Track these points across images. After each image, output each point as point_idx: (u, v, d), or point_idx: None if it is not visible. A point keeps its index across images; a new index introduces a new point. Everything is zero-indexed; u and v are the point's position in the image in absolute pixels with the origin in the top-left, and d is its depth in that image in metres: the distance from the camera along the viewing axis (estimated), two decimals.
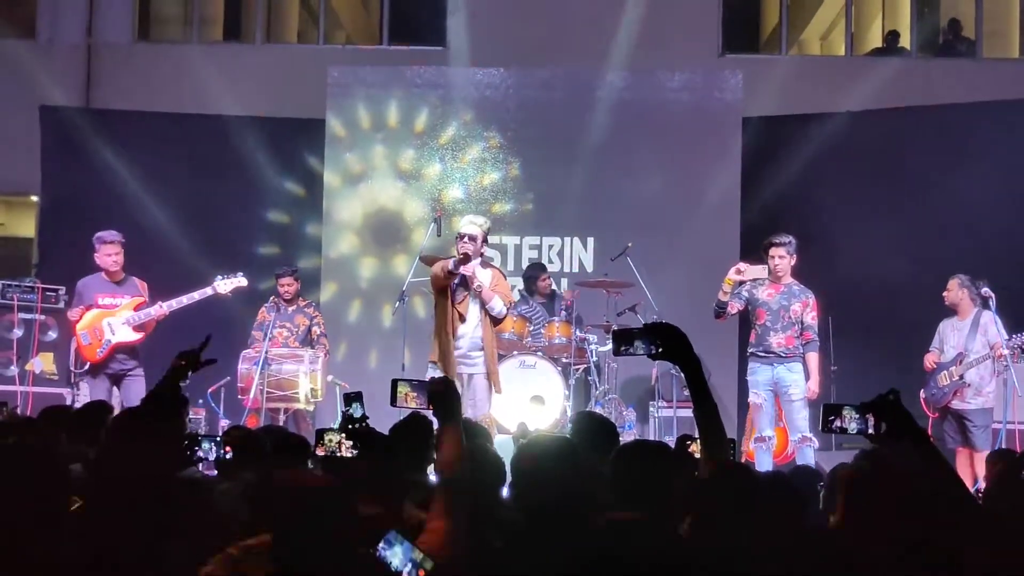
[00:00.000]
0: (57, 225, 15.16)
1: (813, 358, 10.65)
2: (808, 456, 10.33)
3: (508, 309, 10.53)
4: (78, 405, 11.81)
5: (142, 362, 11.32)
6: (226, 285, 11.38)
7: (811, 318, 10.64)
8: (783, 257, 10.68)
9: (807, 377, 10.68)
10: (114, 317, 11.11)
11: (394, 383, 4.83)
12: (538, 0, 15.35)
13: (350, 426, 4.95)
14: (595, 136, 14.01)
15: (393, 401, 4.86)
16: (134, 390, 10.94)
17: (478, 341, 10.33)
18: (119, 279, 11.32)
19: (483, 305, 10.27)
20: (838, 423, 4.35)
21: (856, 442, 6.74)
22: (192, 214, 14.49)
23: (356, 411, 5.38)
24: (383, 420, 5.70)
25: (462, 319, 10.28)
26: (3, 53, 15.57)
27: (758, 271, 10.66)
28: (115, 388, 11.16)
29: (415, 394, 4.75)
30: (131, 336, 11.12)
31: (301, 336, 12.18)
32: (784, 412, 10.75)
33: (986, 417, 11.10)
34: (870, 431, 4.31)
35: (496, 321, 10.47)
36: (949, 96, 14.63)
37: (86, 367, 11.35)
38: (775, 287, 10.70)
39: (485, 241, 10.45)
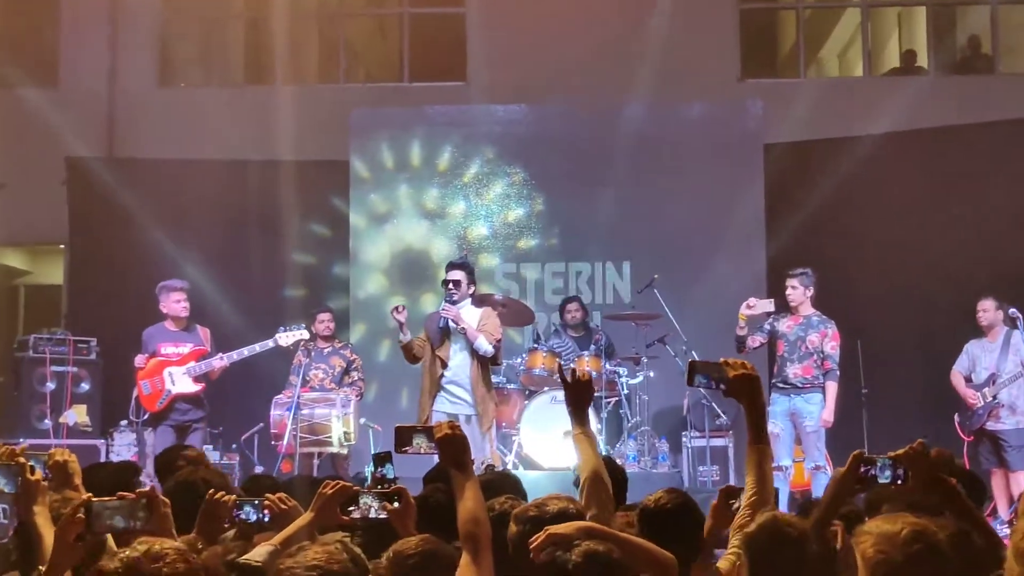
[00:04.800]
0: (86, 274, 15.27)
1: (831, 387, 10.71)
2: (823, 484, 10.37)
3: (496, 347, 10.63)
4: (114, 457, 11.95)
5: (208, 413, 11.38)
6: (288, 338, 11.43)
7: (830, 347, 10.73)
8: (795, 288, 10.92)
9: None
10: (175, 367, 11.15)
11: (400, 430, 4.80)
12: (556, 34, 15.35)
13: (380, 487, 4.90)
14: (618, 168, 14.00)
15: (399, 448, 4.83)
16: (196, 442, 10.93)
17: (465, 382, 10.50)
18: (184, 326, 11.37)
19: (471, 346, 10.45)
20: (872, 472, 4.34)
21: None
22: (219, 259, 14.54)
23: (389, 472, 5.36)
24: (415, 464, 5.75)
25: (444, 364, 10.50)
26: (26, 102, 15.63)
27: (766, 304, 10.85)
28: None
29: (430, 443, 4.69)
30: (191, 387, 11.16)
31: (337, 377, 12.16)
32: (802, 442, 10.80)
33: (1021, 437, 11.10)
34: (899, 481, 4.31)
35: (491, 361, 10.76)
36: (970, 114, 14.57)
37: (146, 416, 11.40)
38: (794, 319, 10.86)
39: (472, 282, 10.69)
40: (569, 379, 4.98)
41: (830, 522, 4.12)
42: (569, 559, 3.78)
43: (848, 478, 4.34)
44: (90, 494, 3.95)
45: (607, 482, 4.72)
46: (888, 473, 4.32)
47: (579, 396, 4.98)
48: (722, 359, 4.78)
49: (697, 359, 4.98)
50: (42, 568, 3.83)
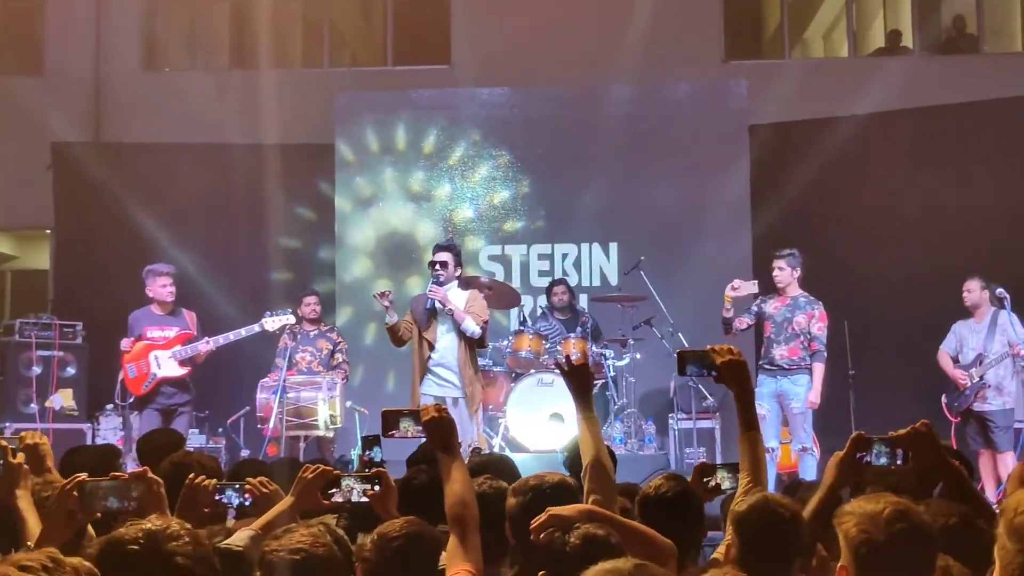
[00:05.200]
0: (72, 259, 15.26)
1: (818, 368, 10.68)
2: (810, 466, 10.43)
3: (483, 329, 10.64)
4: (100, 441, 11.95)
5: (194, 397, 11.36)
6: (274, 322, 11.40)
7: (817, 329, 10.70)
8: (782, 269, 10.87)
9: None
10: (161, 351, 11.12)
11: (387, 414, 4.80)
12: (540, 16, 15.34)
13: (367, 470, 4.89)
14: (603, 151, 13.98)
15: (386, 432, 4.83)
16: (182, 426, 10.95)
17: (452, 364, 10.49)
18: (170, 311, 11.34)
19: (458, 328, 10.45)
20: (867, 458, 4.32)
21: None
22: (204, 243, 14.54)
23: (377, 455, 5.34)
24: (400, 447, 5.74)
25: (431, 347, 10.50)
26: (12, 88, 15.64)
27: (750, 286, 10.84)
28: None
29: (417, 427, 4.70)
30: (177, 371, 11.13)
31: (324, 360, 12.15)
32: (789, 423, 10.80)
33: (1008, 418, 11.10)
34: (898, 463, 4.30)
35: (478, 343, 10.75)
36: (955, 94, 14.57)
37: (131, 400, 11.38)
38: (782, 300, 10.84)
39: (459, 264, 10.73)
40: (566, 367, 4.94)
41: (830, 506, 4.09)
42: (568, 541, 3.77)
43: (848, 462, 4.33)
44: (84, 473, 3.94)
45: (609, 467, 4.74)
46: (884, 459, 4.30)
47: (579, 381, 4.94)
48: (708, 346, 4.80)
49: (685, 349, 5.03)
50: (30, 544, 3.82)
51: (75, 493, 3.82)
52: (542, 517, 3.91)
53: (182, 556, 2.88)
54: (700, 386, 12.46)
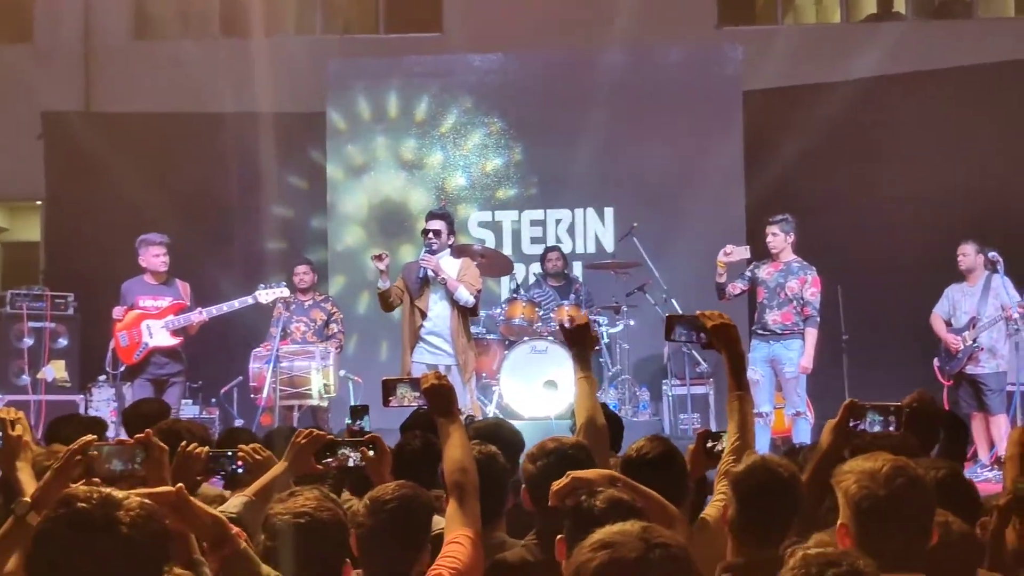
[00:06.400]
0: (63, 230, 15.21)
1: (810, 333, 10.68)
2: (803, 430, 10.45)
3: (476, 297, 10.61)
4: (92, 412, 11.92)
5: (186, 367, 11.35)
6: (268, 295, 11.37)
7: (810, 294, 10.69)
8: (776, 235, 10.88)
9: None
10: (153, 320, 11.09)
11: (386, 383, 4.81)
12: None
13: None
14: (596, 117, 13.89)
15: (386, 401, 4.83)
16: (174, 396, 10.95)
17: (445, 332, 10.49)
18: (163, 280, 11.31)
19: (450, 296, 10.43)
20: (861, 426, 4.35)
21: None
22: (196, 212, 14.49)
23: (366, 425, 5.34)
24: (394, 416, 5.74)
25: (424, 315, 10.48)
26: (1, 57, 15.56)
27: (742, 251, 10.84)
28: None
29: (414, 393, 4.72)
30: (168, 340, 11.10)
31: (319, 330, 12.12)
32: (782, 388, 10.81)
33: (1000, 380, 11.11)
34: (891, 429, 4.33)
35: (470, 311, 10.71)
36: (948, 59, 14.54)
37: (123, 369, 11.36)
38: (775, 265, 10.84)
39: (452, 232, 10.70)
40: (568, 325, 5.15)
41: (826, 470, 4.09)
42: (594, 505, 3.76)
43: (841, 428, 4.36)
44: (93, 436, 3.92)
45: (603, 426, 4.73)
46: (878, 427, 4.34)
47: (579, 340, 5.14)
48: (698, 311, 4.81)
49: (675, 314, 5.06)
50: (27, 500, 3.80)
51: (81, 457, 3.81)
52: (564, 481, 3.90)
53: (127, 527, 2.84)
54: (694, 352, 12.46)
